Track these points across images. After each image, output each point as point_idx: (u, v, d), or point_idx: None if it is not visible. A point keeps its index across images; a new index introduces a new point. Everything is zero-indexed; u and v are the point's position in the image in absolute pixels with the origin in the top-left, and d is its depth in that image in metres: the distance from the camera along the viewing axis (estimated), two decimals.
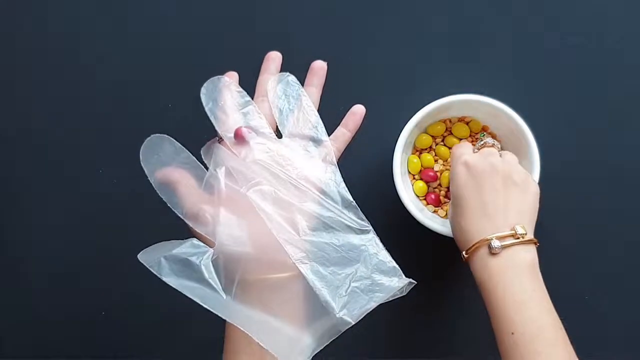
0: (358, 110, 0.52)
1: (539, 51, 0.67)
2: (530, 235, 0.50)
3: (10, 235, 0.67)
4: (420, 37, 0.67)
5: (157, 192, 0.46)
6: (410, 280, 0.45)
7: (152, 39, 0.67)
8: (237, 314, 0.44)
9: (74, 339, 0.66)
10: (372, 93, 0.67)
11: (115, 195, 0.66)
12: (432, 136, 0.64)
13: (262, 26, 0.67)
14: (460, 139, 0.64)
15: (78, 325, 0.66)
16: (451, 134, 0.64)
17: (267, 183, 0.46)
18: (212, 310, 0.43)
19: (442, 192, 0.64)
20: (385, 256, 0.46)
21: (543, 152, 0.59)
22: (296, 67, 0.68)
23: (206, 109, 0.48)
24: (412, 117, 0.59)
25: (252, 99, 0.50)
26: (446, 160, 0.64)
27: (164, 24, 0.68)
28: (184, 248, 0.45)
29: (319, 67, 0.52)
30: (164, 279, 0.43)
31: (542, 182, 0.59)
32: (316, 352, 0.43)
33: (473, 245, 0.50)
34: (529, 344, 0.46)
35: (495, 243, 0.49)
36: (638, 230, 0.66)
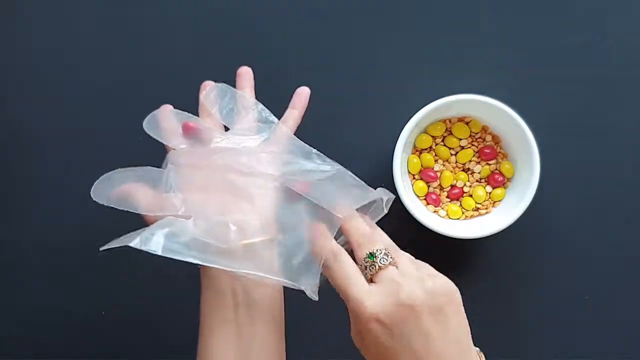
0: (302, 91, 0.54)
1: (539, 51, 0.67)
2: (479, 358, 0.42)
3: (10, 235, 0.67)
4: (420, 37, 0.67)
5: (118, 208, 0.46)
6: (388, 193, 0.46)
7: (151, 39, 0.67)
8: (240, 263, 0.44)
9: (74, 339, 0.66)
10: (372, 93, 0.66)
11: None
12: (432, 136, 0.64)
13: (261, 26, 0.67)
14: (460, 139, 0.64)
15: (78, 325, 0.66)
16: (451, 134, 0.64)
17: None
18: (213, 265, 0.43)
19: (444, 193, 0.64)
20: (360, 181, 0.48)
21: (543, 152, 0.59)
22: (297, 67, 0.68)
23: (154, 136, 0.50)
24: (412, 117, 0.59)
25: None
26: (446, 160, 0.64)
27: (163, 23, 0.68)
28: (161, 223, 0.45)
29: (246, 71, 0.54)
30: (147, 248, 0.43)
31: (542, 182, 0.59)
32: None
33: None
34: None
35: None
36: (638, 230, 0.66)
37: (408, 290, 0.39)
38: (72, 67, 0.68)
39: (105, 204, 0.46)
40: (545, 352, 0.66)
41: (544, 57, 0.67)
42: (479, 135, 0.64)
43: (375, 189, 0.47)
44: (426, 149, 0.64)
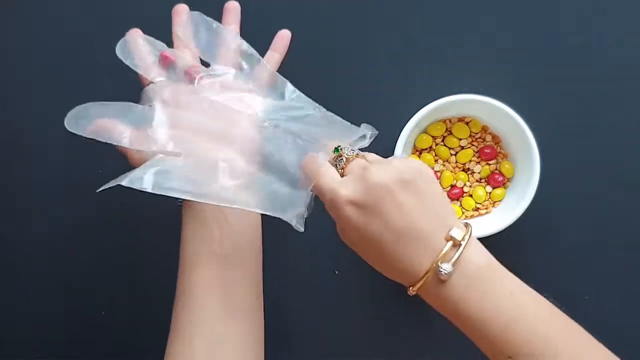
0: (284, 34, 0.54)
1: (539, 51, 0.67)
2: (463, 227, 0.41)
3: (10, 236, 0.67)
4: (420, 36, 0.67)
5: (97, 139, 0.46)
6: (372, 129, 0.48)
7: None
8: (226, 198, 0.45)
9: (74, 339, 0.66)
10: (372, 93, 0.66)
11: (115, 195, 0.66)
12: (432, 136, 0.64)
13: (261, 26, 0.67)
14: (460, 139, 0.64)
15: (78, 325, 0.66)
16: (451, 134, 0.64)
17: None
18: (204, 200, 0.44)
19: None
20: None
21: (543, 152, 0.59)
22: (297, 66, 0.68)
23: (127, 63, 0.50)
24: (412, 117, 0.59)
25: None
26: (446, 160, 0.64)
27: (163, 24, 0.67)
28: (153, 159, 0.45)
29: (233, 7, 0.54)
30: (138, 186, 0.43)
31: (542, 182, 0.59)
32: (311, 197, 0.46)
33: (418, 282, 0.40)
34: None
35: (445, 267, 0.39)
36: (638, 230, 0.66)
37: (376, 171, 0.40)
38: (73, 67, 0.68)
39: (82, 135, 0.46)
40: None
41: (544, 57, 0.67)
42: (479, 135, 0.64)
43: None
44: (426, 149, 0.64)
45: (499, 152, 0.64)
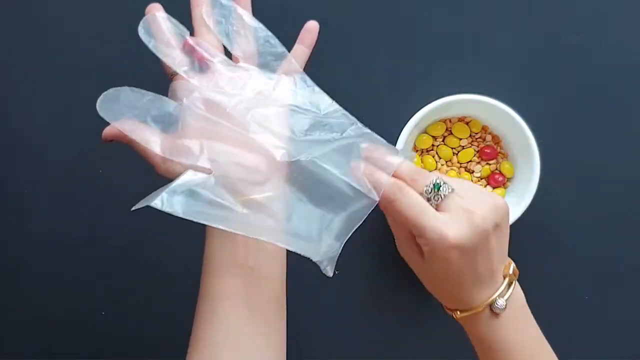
0: (313, 27, 0.51)
1: (539, 51, 0.67)
2: (509, 262, 0.45)
3: (10, 236, 0.67)
4: (420, 36, 0.67)
5: (126, 134, 0.44)
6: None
7: None
8: (255, 228, 0.43)
9: (74, 339, 0.66)
10: (372, 93, 0.66)
11: (114, 196, 0.66)
12: (432, 136, 0.64)
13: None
14: (461, 139, 0.64)
15: (78, 325, 0.66)
16: (451, 134, 0.64)
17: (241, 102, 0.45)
18: (229, 229, 0.42)
19: None
20: (377, 139, 0.46)
21: (543, 152, 0.59)
22: None
23: (150, 46, 0.47)
24: (412, 117, 0.59)
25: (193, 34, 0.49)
26: (449, 160, 0.64)
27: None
28: (183, 179, 0.43)
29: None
30: (169, 210, 0.41)
31: (542, 182, 0.59)
32: (343, 243, 0.44)
33: (471, 310, 0.44)
34: None
35: (500, 303, 0.43)
36: (638, 231, 0.66)
37: (481, 214, 0.41)
38: (74, 67, 0.68)
39: (111, 122, 0.45)
40: None
41: (544, 57, 0.67)
42: (479, 135, 0.64)
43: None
44: (426, 149, 0.64)
45: (499, 152, 0.64)
